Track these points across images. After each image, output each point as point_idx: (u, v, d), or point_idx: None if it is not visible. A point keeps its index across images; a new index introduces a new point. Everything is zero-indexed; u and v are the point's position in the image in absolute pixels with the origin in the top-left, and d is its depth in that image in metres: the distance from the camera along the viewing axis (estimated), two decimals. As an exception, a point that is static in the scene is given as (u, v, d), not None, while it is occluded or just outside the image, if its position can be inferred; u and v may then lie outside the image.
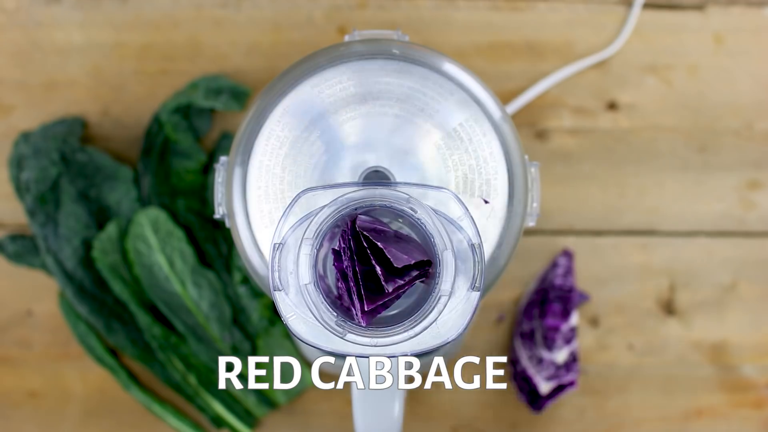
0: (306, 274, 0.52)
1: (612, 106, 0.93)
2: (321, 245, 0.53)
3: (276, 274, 0.53)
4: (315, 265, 0.52)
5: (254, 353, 0.88)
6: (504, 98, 0.91)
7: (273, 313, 0.88)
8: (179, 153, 0.90)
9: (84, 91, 0.92)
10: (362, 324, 0.53)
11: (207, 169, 0.91)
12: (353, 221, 0.54)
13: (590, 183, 0.92)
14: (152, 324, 0.87)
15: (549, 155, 0.92)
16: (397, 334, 0.52)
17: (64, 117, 0.91)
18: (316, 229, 0.52)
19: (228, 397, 0.88)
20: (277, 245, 0.53)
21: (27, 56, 0.92)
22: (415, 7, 0.93)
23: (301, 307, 0.53)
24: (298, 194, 0.56)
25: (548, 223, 0.91)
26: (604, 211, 0.92)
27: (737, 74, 0.94)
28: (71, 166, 0.88)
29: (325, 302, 0.52)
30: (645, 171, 0.92)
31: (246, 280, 0.88)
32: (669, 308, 0.91)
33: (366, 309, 0.53)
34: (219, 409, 0.88)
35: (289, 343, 0.88)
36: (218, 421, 0.88)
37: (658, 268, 0.91)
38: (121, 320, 0.88)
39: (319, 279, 0.53)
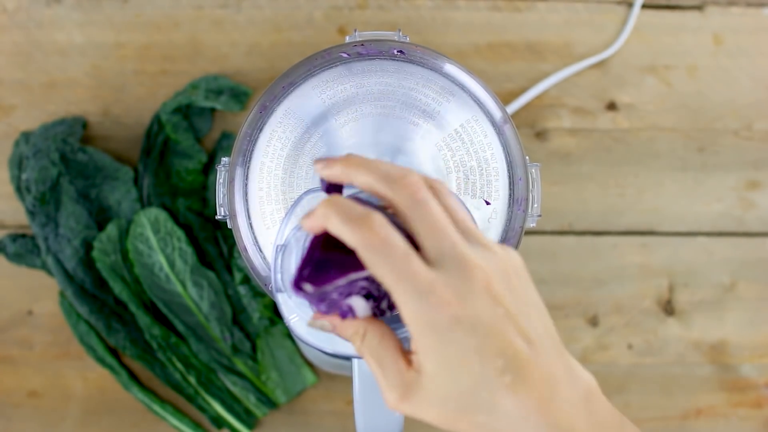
0: None
1: (611, 106, 0.93)
2: None
3: (278, 276, 0.53)
4: None
5: (254, 353, 0.88)
6: (504, 98, 0.91)
7: (273, 313, 0.88)
8: (179, 153, 0.90)
9: (84, 91, 0.92)
10: (292, 290, 0.47)
11: (207, 169, 0.91)
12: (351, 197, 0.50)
13: (590, 183, 0.92)
14: (152, 324, 0.87)
15: (548, 155, 0.92)
16: (399, 336, 0.52)
17: (64, 117, 0.91)
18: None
19: (228, 397, 0.88)
20: (279, 247, 0.53)
21: (27, 56, 0.92)
22: (414, 7, 0.93)
23: (304, 308, 0.53)
24: (300, 196, 0.56)
25: (548, 223, 0.91)
26: (604, 211, 0.92)
27: (736, 74, 0.94)
28: (71, 166, 0.88)
29: None
30: (644, 171, 0.92)
31: (246, 279, 0.88)
32: (668, 308, 0.91)
33: (301, 276, 0.47)
34: (219, 409, 0.88)
35: (290, 342, 0.88)
36: (218, 421, 0.88)
37: (658, 268, 0.91)
38: (122, 320, 0.88)
39: None
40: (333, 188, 0.50)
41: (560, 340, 0.45)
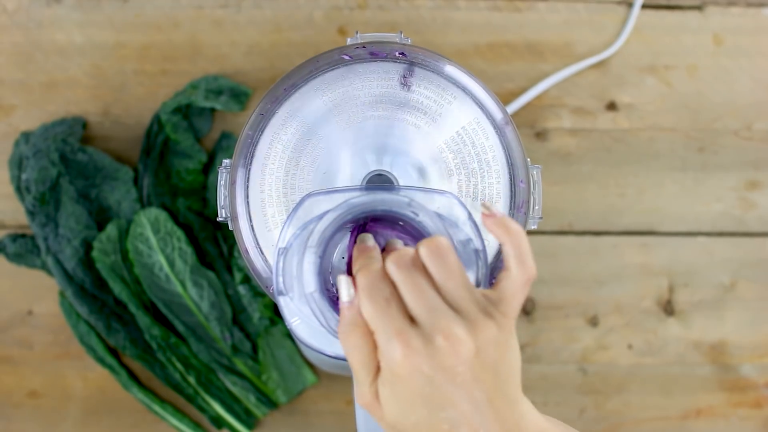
0: (311, 282, 0.51)
1: (611, 106, 0.93)
2: (325, 251, 0.53)
3: (280, 279, 0.53)
4: (320, 272, 0.52)
5: (255, 353, 0.88)
6: (504, 98, 0.91)
7: (273, 313, 0.88)
8: (179, 153, 0.90)
9: (84, 91, 0.91)
10: None
11: (207, 169, 0.91)
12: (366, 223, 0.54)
13: (590, 183, 0.92)
14: (152, 324, 0.87)
15: (548, 155, 0.92)
16: None
17: (64, 117, 0.91)
18: (319, 237, 0.52)
19: (228, 397, 0.88)
20: (281, 250, 0.53)
21: (27, 56, 0.91)
22: (414, 7, 0.93)
23: (306, 311, 0.53)
24: (302, 199, 0.56)
25: (548, 224, 0.91)
26: (604, 211, 0.92)
27: (736, 74, 0.94)
28: (71, 166, 0.88)
29: (331, 309, 0.52)
30: (644, 171, 0.92)
31: (246, 279, 0.88)
32: (668, 308, 0.91)
33: None
34: (219, 409, 0.88)
35: (290, 342, 0.88)
36: (218, 421, 0.88)
37: (658, 268, 0.92)
38: (121, 320, 0.88)
39: (324, 283, 0.53)
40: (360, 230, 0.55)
41: (514, 399, 0.50)
